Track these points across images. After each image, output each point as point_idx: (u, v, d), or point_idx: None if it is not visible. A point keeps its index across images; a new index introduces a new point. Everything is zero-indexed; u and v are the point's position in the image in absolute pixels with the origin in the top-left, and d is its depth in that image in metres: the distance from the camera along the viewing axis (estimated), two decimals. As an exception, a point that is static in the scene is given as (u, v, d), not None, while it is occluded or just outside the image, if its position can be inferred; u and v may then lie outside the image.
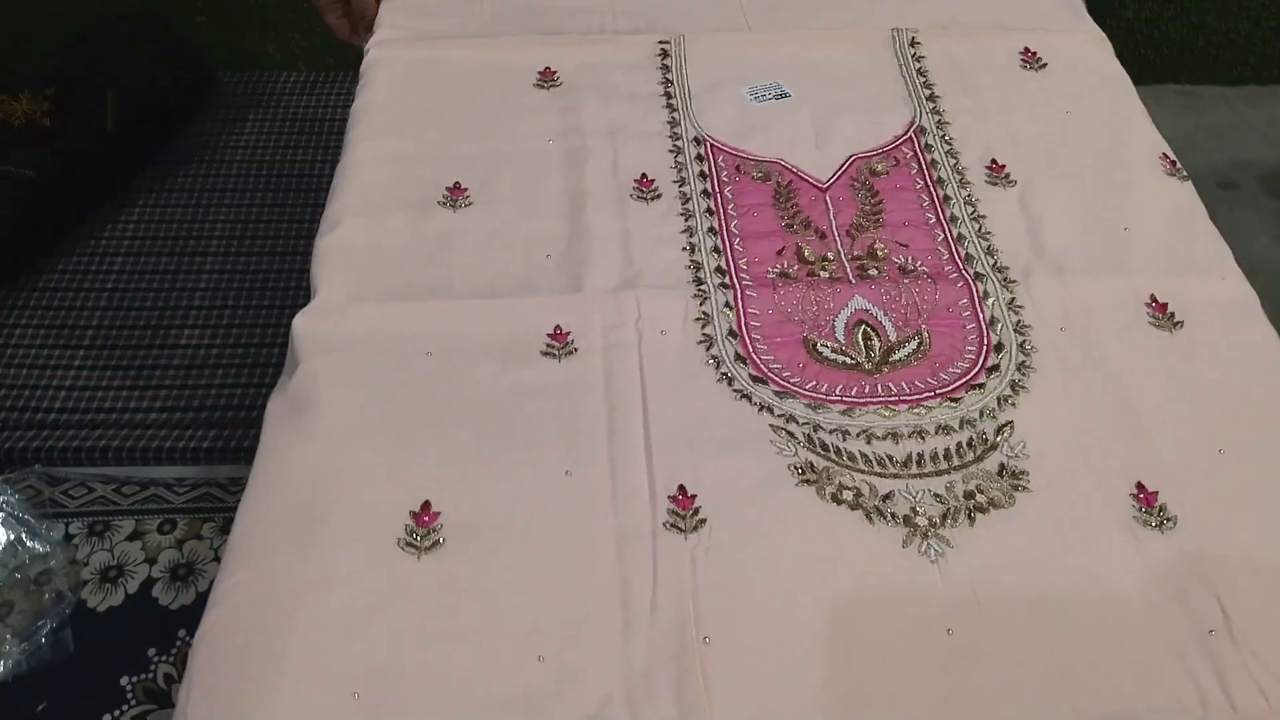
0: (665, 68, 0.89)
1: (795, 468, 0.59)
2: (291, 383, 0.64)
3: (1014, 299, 0.70)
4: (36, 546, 0.97)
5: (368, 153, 0.81)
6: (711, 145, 0.81)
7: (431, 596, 0.54)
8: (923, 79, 0.88)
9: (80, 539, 1.01)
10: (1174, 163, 0.81)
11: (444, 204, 0.77)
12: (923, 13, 0.94)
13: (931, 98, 0.86)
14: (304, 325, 0.67)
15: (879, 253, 0.73)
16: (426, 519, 0.57)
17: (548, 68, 0.88)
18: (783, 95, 0.86)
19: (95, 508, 1.05)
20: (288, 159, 1.46)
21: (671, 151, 0.81)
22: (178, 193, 1.40)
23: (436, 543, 0.56)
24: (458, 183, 0.78)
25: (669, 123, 0.84)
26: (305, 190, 1.40)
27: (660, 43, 0.91)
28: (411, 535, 0.56)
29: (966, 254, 0.73)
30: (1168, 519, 0.58)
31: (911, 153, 0.81)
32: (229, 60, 1.63)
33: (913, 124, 0.83)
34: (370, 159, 0.81)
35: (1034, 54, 0.90)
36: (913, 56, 0.90)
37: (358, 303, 0.69)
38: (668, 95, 0.86)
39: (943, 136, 0.82)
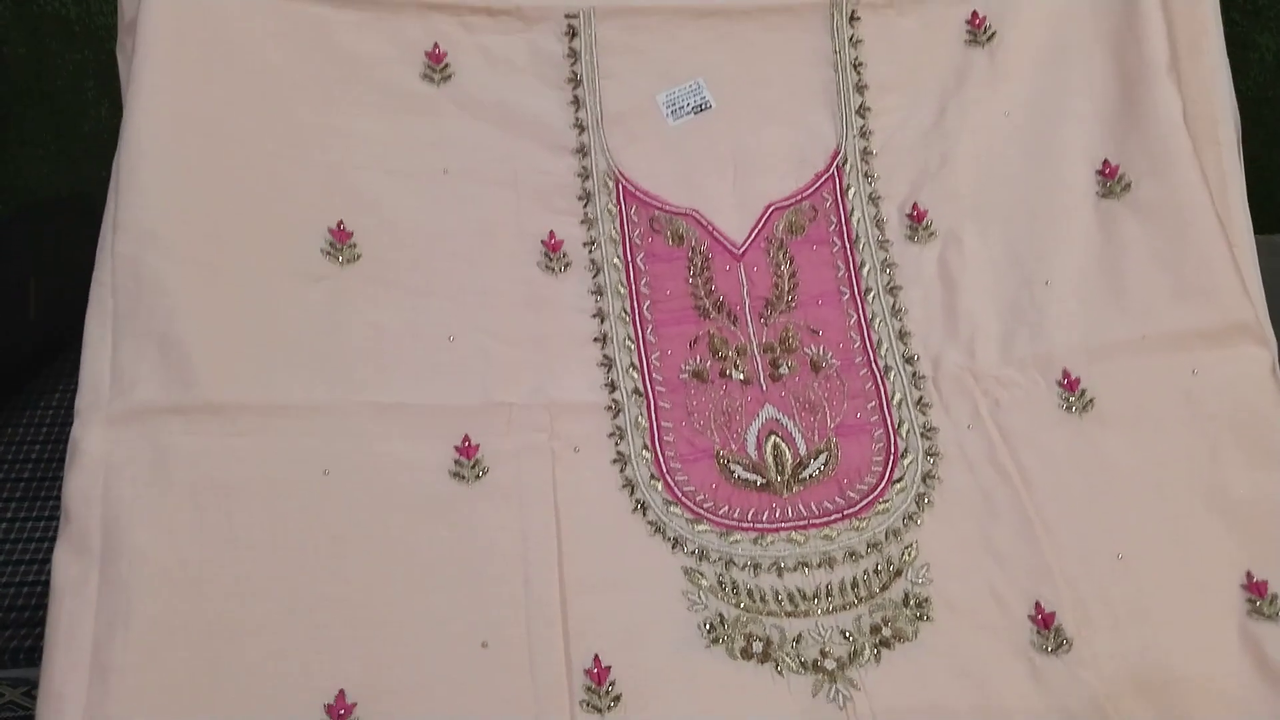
0: (573, 54, 0.78)
1: (705, 624, 0.61)
2: (93, 540, 0.57)
3: (922, 397, 0.70)
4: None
5: (192, 142, 0.67)
6: (624, 190, 0.76)
7: None
8: (856, 74, 0.79)
9: (-12, 750, 0.94)
10: (1114, 171, 0.75)
11: (329, 254, 0.69)
12: None
13: (862, 109, 0.79)
14: (103, 438, 0.59)
15: (791, 342, 0.72)
16: (343, 712, 0.56)
17: (436, 46, 0.76)
18: (701, 107, 0.79)
19: (4, 715, 0.98)
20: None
21: (581, 199, 0.75)
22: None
23: None
24: (342, 223, 0.70)
25: (578, 151, 0.76)
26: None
27: (568, 18, 0.77)
28: None
29: (878, 339, 0.72)
30: (1065, 641, 0.60)
31: (831, 200, 0.77)
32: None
33: (836, 155, 0.78)
34: (199, 156, 0.67)
35: (982, 20, 0.80)
36: (850, 40, 0.80)
37: (209, 406, 0.61)
38: (577, 108, 0.77)
39: (866, 174, 0.78)
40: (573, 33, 0.77)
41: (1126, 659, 0.59)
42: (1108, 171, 0.75)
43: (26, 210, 1.43)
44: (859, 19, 0.80)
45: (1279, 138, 1.36)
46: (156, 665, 0.55)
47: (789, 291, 0.75)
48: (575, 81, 0.77)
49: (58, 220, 1.43)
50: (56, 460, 1.31)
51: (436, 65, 0.75)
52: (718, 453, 0.68)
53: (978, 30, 0.80)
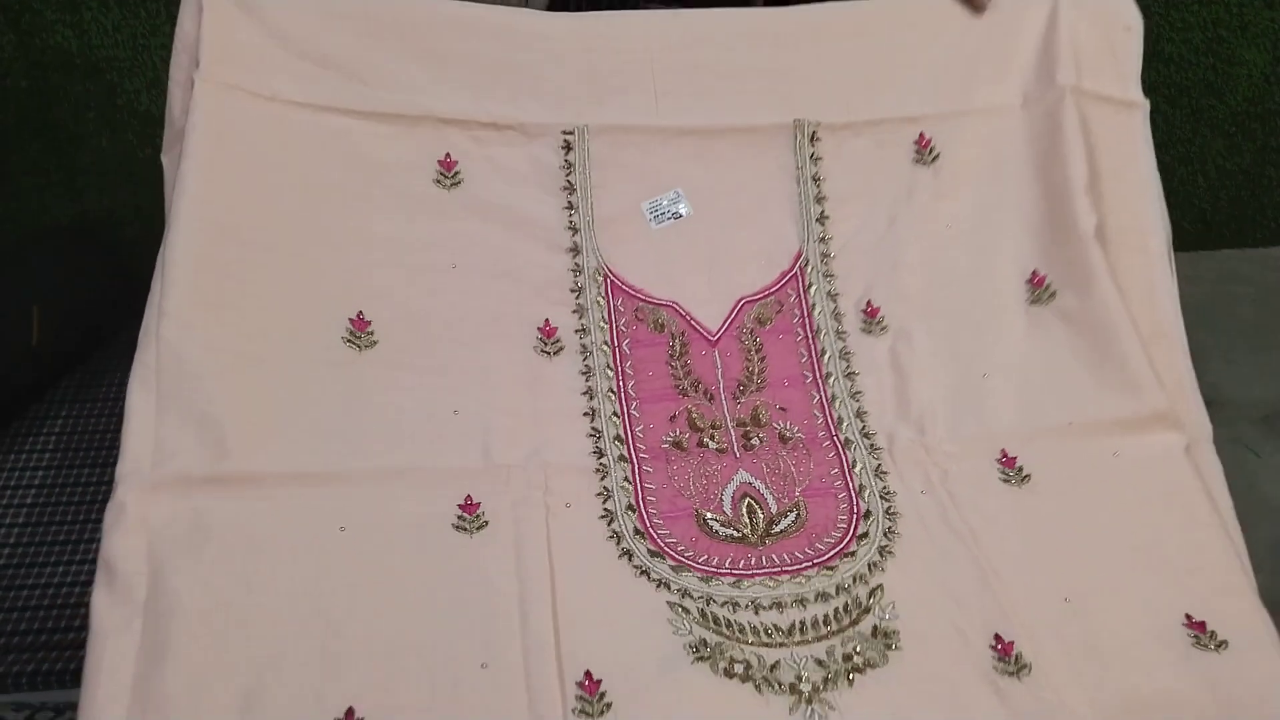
0: (568, 165, 0.86)
1: (690, 646, 0.66)
2: (138, 592, 0.62)
3: (880, 465, 0.78)
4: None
5: (228, 240, 0.74)
6: (612, 284, 0.85)
7: None
8: (816, 187, 0.89)
9: (-13, 776, 0.96)
10: (1041, 280, 0.84)
11: (349, 341, 0.76)
12: (832, 90, 0.90)
13: (821, 218, 0.88)
14: (150, 505, 0.65)
15: (761, 418, 0.80)
16: None
17: (448, 155, 0.85)
18: (680, 214, 0.88)
19: (1, 735, 1.00)
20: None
21: (573, 291, 0.84)
22: (101, 402, 1.41)
23: None
24: (361, 313, 0.78)
25: (571, 250, 0.85)
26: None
27: (565, 134, 0.87)
28: None
29: (839, 417, 0.80)
30: (1024, 666, 0.66)
31: (795, 295, 0.86)
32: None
33: (799, 256, 0.87)
34: (234, 253, 0.74)
35: (928, 142, 0.90)
36: (810, 157, 0.89)
37: (248, 477, 0.67)
38: (571, 212, 0.86)
39: (825, 273, 0.87)
40: (568, 147, 0.87)
41: (1085, 691, 0.65)
42: (1035, 281, 0.85)
43: (29, 238, 1.44)
44: (819, 139, 0.90)
45: (1268, 152, 1.40)
46: (192, 696, 0.60)
47: (758, 374, 0.83)
48: (570, 189, 0.87)
49: (59, 248, 1.44)
50: (59, 486, 1.33)
51: (448, 172, 0.85)
52: (697, 511, 0.75)
53: (924, 151, 0.90)
